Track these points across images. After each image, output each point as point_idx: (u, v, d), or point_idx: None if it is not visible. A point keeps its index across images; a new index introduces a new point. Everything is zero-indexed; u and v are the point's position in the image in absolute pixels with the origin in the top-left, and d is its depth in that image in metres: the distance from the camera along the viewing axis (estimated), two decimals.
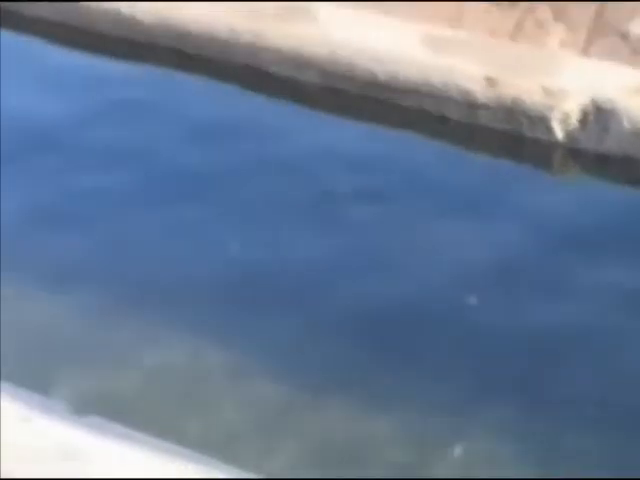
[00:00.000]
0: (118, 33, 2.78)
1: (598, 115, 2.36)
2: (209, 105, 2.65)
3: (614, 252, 2.29)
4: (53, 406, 2.28)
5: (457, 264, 2.24)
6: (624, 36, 2.81)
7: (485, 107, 2.43)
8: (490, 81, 2.43)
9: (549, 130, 2.38)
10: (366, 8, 2.74)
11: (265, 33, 2.57)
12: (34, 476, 2.12)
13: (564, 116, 2.38)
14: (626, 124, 2.31)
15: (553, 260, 2.22)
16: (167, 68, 2.77)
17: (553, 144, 2.40)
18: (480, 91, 2.43)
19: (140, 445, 2.24)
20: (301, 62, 2.56)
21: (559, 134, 2.39)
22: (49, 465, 2.12)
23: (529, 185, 2.46)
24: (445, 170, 2.48)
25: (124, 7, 2.74)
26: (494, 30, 2.81)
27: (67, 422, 2.26)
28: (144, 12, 2.69)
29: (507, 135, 2.44)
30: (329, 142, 2.53)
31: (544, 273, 2.21)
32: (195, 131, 2.64)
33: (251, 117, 2.59)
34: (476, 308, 2.13)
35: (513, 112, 2.39)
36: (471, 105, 2.45)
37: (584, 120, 2.39)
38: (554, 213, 2.36)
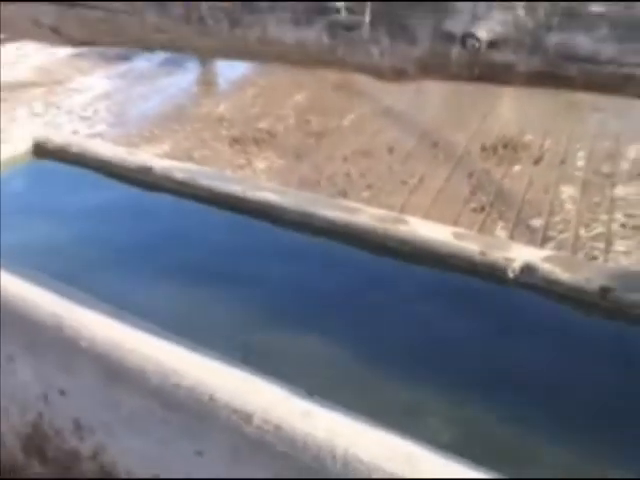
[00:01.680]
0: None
1: (527, 269, 5.13)
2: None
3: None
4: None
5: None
6: (528, 226, 5.93)
7: (481, 265, 5.26)
8: (482, 253, 5.43)
9: (507, 275, 5.18)
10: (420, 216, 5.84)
11: (387, 227, 5.52)
12: None
13: (513, 269, 5.03)
14: (540, 273, 5.34)
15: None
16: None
17: (508, 279, 5.26)
18: (478, 258, 5.25)
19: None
20: (399, 240, 5.52)
21: (511, 276, 5.21)
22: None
23: (496, 294, 5.41)
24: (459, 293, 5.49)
25: (340, 217, 5.60)
26: (472, 224, 5.96)
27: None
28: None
29: (489, 275, 5.41)
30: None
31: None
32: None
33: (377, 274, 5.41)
34: None
35: (493, 267, 5.22)
36: (472, 264, 5.31)
37: (522, 271, 5.17)
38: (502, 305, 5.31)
